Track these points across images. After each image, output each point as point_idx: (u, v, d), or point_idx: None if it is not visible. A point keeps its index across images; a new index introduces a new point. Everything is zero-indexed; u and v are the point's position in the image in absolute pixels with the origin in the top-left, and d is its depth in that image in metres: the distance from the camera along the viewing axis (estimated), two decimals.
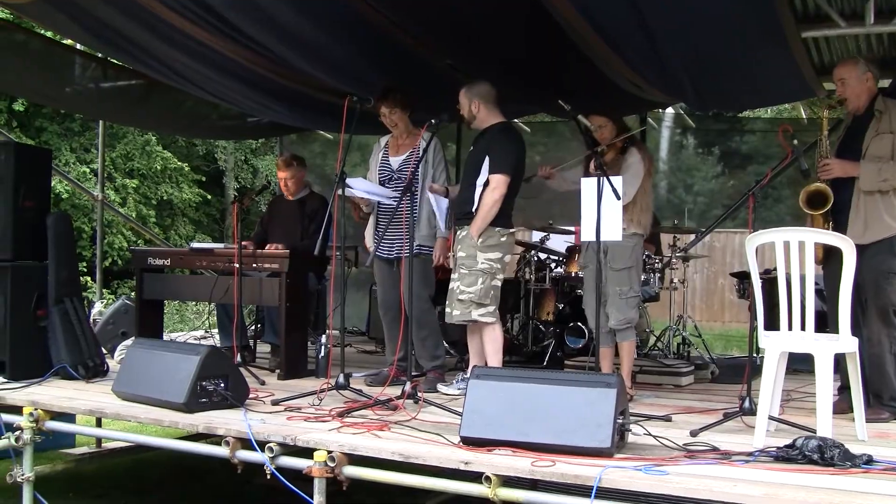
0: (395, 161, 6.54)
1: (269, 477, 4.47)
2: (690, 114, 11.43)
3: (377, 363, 7.62)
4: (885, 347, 5.33)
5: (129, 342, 7.30)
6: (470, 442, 4.28)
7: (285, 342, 6.75)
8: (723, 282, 16.05)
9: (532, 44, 6.53)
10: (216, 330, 7.94)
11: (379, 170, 6.65)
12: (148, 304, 7.49)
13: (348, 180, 6.10)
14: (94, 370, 6.48)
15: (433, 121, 5.93)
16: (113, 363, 6.95)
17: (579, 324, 7.89)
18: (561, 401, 4.26)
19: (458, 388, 6.03)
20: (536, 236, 8.94)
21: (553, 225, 8.65)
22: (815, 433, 4.36)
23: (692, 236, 9.04)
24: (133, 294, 7.96)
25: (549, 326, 8.23)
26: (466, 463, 4.06)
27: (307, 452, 4.40)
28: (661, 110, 11.38)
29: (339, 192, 5.70)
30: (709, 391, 6.74)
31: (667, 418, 5.24)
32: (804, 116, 11.36)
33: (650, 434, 4.47)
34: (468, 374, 6.00)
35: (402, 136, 6.61)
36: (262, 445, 4.53)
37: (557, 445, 4.13)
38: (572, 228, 8.78)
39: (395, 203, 6.00)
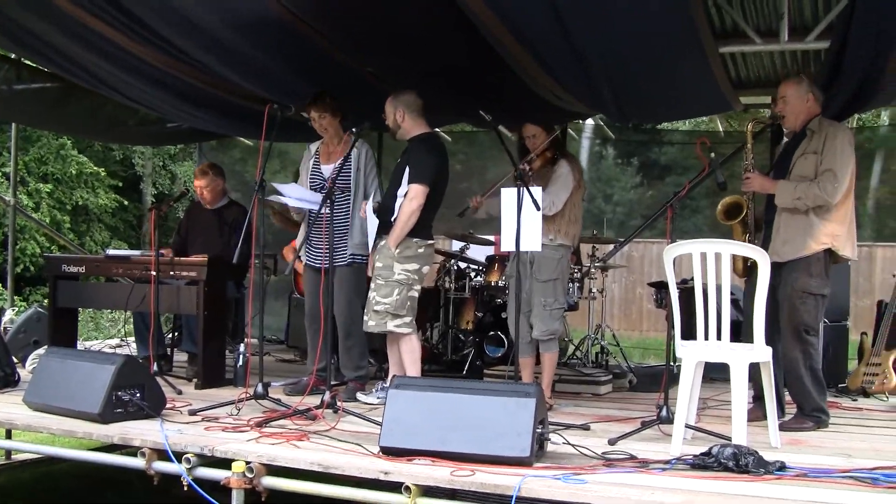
0: (327, 169, 6.47)
1: (186, 488, 4.40)
2: (610, 125, 11.56)
3: (296, 372, 7.56)
4: (800, 362, 5.42)
5: (41, 351, 7.16)
6: (389, 452, 4.27)
7: (203, 351, 6.66)
8: (641, 291, 16.22)
9: (456, 54, 6.56)
10: (132, 338, 7.80)
11: (310, 177, 6.59)
12: (61, 312, 7.35)
13: (280, 186, 6.04)
14: (4, 380, 6.32)
15: (354, 129, 5.92)
16: (24, 373, 6.77)
17: (499, 333, 7.92)
18: (480, 410, 4.26)
19: (378, 397, 6.02)
20: (456, 245, 8.96)
21: (473, 234, 8.66)
22: (731, 441, 4.43)
23: (611, 246, 9.15)
24: (46, 301, 7.78)
25: (469, 335, 8.24)
26: (386, 473, 4.04)
27: (225, 463, 4.35)
28: (581, 121, 11.50)
29: (259, 198, 5.66)
30: (627, 400, 6.81)
31: (585, 427, 5.28)
32: (721, 129, 11.56)
33: (569, 443, 4.50)
34: (388, 384, 6.02)
35: (332, 143, 6.56)
36: (178, 456, 4.45)
37: (477, 455, 4.13)
38: (492, 238, 8.82)
39: (329, 211, 5.96)
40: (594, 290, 8.47)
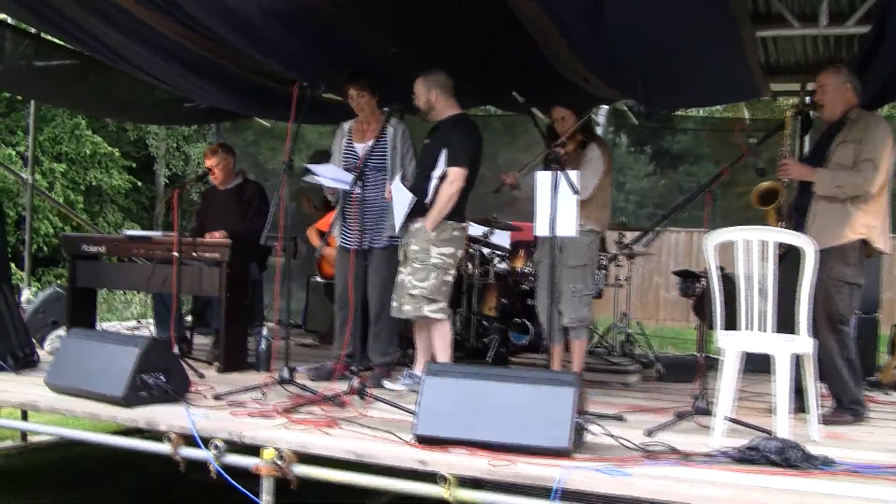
0: (361, 147, 6.33)
1: (213, 475, 4.29)
2: (634, 111, 11.39)
3: (316, 356, 7.44)
4: (836, 353, 5.33)
5: (60, 332, 7.07)
6: (425, 440, 4.16)
7: (225, 334, 6.54)
8: (658, 280, 16.10)
9: (481, 35, 6.39)
10: (147, 320, 7.69)
11: (343, 156, 6.46)
12: (80, 293, 7.21)
13: (313, 167, 5.91)
14: (24, 361, 6.21)
15: (386, 109, 5.79)
16: (43, 353, 6.68)
17: (524, 320, 7.79)
18: (518, 399, 4.16)
19: (404, 384, 5.90)
20: (476, 230, 8.80)
21: (497, 219, 8.51)
22: (771, 434, 4.32)
23: (632, 234, 9.02)
24: (59, 281, 7.68)
25: (493, 322, 8.09)
26: (423, 462, 3.94)
27: (253, 450, 4.26)
28: (597, 107, 11.33)
29: (287, 179, 5.54)
30: (656, 390, 6.70)
31: (619, 417, 5.17)
32: (747, 116, 11.38)
33: (610, 434, 4.37)
34: (414, 370, 5.92)
35: (366, 122, 6.43)
36: (206, 442, 4.35)
37: (515, 445, 4.03)
38: (512, 223, 8.69)
39: (363, 191, 5.82)
40: (621, 277, 8.34)
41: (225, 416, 4.81)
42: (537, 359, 7.24)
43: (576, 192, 5.00)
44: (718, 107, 17.20)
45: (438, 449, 4.07)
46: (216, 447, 4.32)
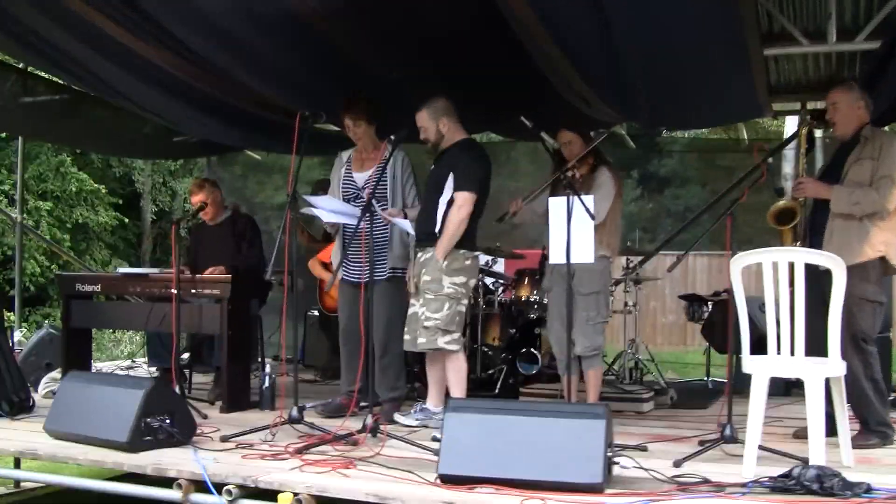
0: (360, 177, 6.15)
1: None
2: (630, 134, 11.26)
3: (319, 393, 7.25)
4: (860, 373, 5.19)
5: (55, 374, 6.88)
6: (449, 480, 3.98)
7: (227, 372, 6.35)
8: (654, 304, 15.97)
9: (483, 60, 6.25)
10: (141, 359, 7.48)
11: (342, 186, 6.26)
12: (75, 333, 7.01)
13: (311, 199, 5.73)
14: (19, 406, 6.00)
15: (392, 136, 5.63)
16: (38, 398, 6.46)
17: (531, 350, 7.61)
18: (546, 433, 4.01)
19: (417, 419, 5.70)
20: (481, 259, 8.66)
21: (500, 248, 8.35)
22: (805, 461, 4.16)
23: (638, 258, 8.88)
24: (47, 321, 7.49)
25: (500, 353, 7.91)
26: None
27: (269, 494, 4.07)
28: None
29: (291, 212, 5.36)
30: (671, 417, 6.51)
31: (643, 448, 4.99)
32: (745, 137, 11.26)
33: (641, 467, 4.21)
34: (426, 404, 5.74)
35: (366, 150, 6.24)
36: (218, 488, 4.15)
37: (544, 482, 3.86)
38: (515, 251, 8.56)
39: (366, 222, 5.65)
40: (629, 303, 8.20)
41: (235, 459, 4.62)
42: (548, 389, 7.03)
43: (592, 216, 4.86)
44: (704, 130, 17.14)
45: (464, 488, 3.89)
46: (229, 493, 4.11)
